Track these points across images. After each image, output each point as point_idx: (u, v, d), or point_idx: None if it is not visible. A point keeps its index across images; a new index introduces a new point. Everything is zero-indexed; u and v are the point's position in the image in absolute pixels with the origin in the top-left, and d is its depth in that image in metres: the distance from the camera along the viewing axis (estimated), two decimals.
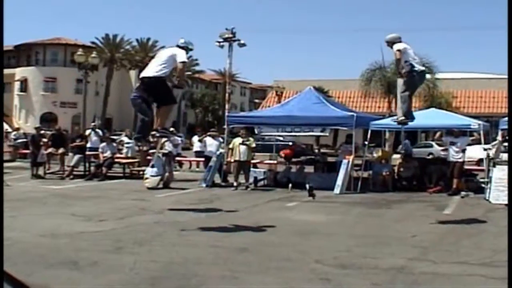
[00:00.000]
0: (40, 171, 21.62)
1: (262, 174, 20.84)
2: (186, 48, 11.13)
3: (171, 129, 23.08)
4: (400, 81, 12.11)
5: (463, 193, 17.22)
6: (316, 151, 33.29)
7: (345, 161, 18.56)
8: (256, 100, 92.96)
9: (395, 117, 13.18)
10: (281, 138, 34.51)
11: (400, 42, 11.97)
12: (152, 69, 10.72)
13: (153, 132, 10.93)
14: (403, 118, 12.13)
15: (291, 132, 21.47)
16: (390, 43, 12.06)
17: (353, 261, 8.43)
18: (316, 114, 19.45)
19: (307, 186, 16.71)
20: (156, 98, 10.85)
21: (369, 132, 19.82)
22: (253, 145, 19.53)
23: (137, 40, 74.46)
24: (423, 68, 12.51)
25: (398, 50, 11.71)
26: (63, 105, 67.98)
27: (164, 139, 21.31)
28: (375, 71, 41.86)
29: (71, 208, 13.78)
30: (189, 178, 21.50)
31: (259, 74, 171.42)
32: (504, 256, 8.01)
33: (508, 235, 8.68)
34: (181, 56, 10.69)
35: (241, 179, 19.12)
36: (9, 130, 40.70)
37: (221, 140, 22.18)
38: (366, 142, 20.20)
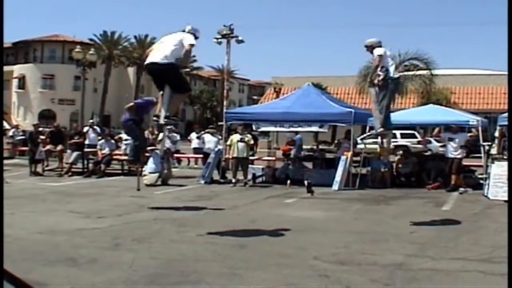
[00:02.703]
0: (39, 168, 21.61)
1: (260, 171, 20.83)
2: (193, 35, 10.85)
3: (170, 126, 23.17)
4: (372, 90, 11.74)
5: (461, 189, 17.24)
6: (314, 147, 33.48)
7: (343, 157, 18.57)
8: (255, 97, 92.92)
9: (373, 131, 12.75)
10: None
11: (380, 47, 11.67)
12: (161, 55, 10.29)
13: (165, 120, 10.54)
14: (382, 129, 11.66)
15: (289, 128, 21.45)
16: (370, 48, 11.77)
17: (351, 258, 8.44)
18: (315, 110, 19.44)
19: (306, 182, 16.71)
20: (170, 85, 10.42)
21: (367, 128, 19.79)
22: (251, 142, 19.53)
23: (135, 37, 74.52)
24: (398, 75, 12.22)
25: (379, 55, 11.40)
26: (61, 102, 67.96)
27: (162, 135, 21.43)
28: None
29: (70, 205, 13.79)
30: (187, 174, 21.49)
31: (257, 70, 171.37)
32: (503, 252, 8.01)
33: (508, 231, 8.69)
34: (190, 39, 10.43)
35: (240, 176, 19.13)
36: (8, 127, 40.68)
37: (219, 136, 22.18)
38: (362, 136, 20.13)
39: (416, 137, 37.00)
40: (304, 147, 25.84)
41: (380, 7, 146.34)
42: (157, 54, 10.34)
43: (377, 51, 11.49)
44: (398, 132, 32.32)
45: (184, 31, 10.86)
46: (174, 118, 10.98)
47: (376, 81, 11.48)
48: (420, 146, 32.39)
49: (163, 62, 10.13)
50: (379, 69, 11.41)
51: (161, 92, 10.65)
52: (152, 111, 12.82)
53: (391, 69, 11.58)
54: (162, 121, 10.65)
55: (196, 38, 10.85)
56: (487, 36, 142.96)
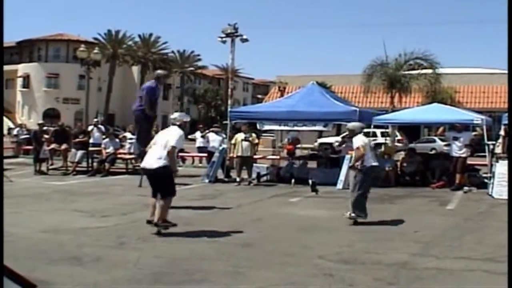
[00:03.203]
0: (43, 167, 21.62)
1: (265, 170, 20.83)
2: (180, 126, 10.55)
3: None
4: (352, 173, 11.77)
5: (466, 188, 17.21)
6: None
7: (347, 156, 18.52)
8: (259, 96, 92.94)
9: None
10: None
11: (360, 133, 11.86)
12: (153, 162, 10.02)
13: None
14: (353, 215, 11.36)
15: (293, 127, 21.44)
16: (351, 132, 12.00)
17: (355, 257, 8.44)
18: (319, 109, 19.42)
19: (310, 181, 16.71)
20: (157, 188, 10.15)
21: (372, 127, 19.82)
22: (256, 141, 19.53)
23: (139, 36, 74.65)
24: (376, 164, 12.07)
25: (363, 146, 11.41)
26: (66, 101, 68.15)
27: None
28: (377, 67, 41.74)
29: (74, 204, 13.80)
30: (192, 173, 21.47)
31: (261, 69, 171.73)
32: (507, 251, 7.99)
33: (508, 229, 8.67)
34: (172, 140, 10.02)
35: (244, 175, 19.14)
36: (12, 126, 40.78)
37: (223, 135, 22.18)
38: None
39: (396, 136, 37.31)
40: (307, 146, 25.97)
41: (384, 7, 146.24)
42: (150, 160, 10.16)
43: (359, 140, 11.57)
44: (378, 131, 32.59)
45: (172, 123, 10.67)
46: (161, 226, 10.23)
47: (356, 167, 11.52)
48: (400, 144, 33.21)
49: (154, 168, 9.99)
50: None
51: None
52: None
53: (368, 157, 11.56)
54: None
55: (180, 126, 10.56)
56: (492, 35, 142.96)
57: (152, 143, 10.50)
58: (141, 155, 14.23)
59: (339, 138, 26.99)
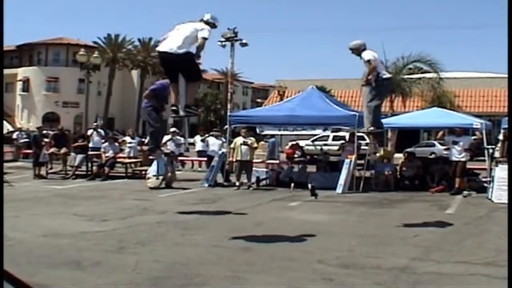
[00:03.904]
0: (42, 171, 21.61)
1: (264, 174, 20.82)
2: (212, 25, 10.49)
3: (173, 129, 23.14)
4: (366, 90, 11.68)
5: (465, 192, 17.21)
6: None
7: (347, 160, 18.55)
8: (258, 100, 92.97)
9: (363, 128, 12.68)
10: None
11: (365, 49, 11.60)
12: (176, 43, 9.83)
13: (186, 110, 10.19)
14: (372, 128, 11.71)
15: (293, 131, 21.46)
16: (356, 50, 11.69)
17: (355, 261, 8.43)
18: (319, 113, 19.43)
19: (310, 185, 16.70)
20: (184, 74, 10.07)
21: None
22: (255, 145, 19.53)
23: (139, 40, 74.55)
24: (389, 75, 12.19)
25: (374, 59, 11.37)
26: (65, 105, 68.16)
27: (167, 138, 21.46)
28: None
29: (74, 208, 13.80)
30: (191, 177, 21.49)
31: (261, 73, 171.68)
32: (507, 256, 7.99)
33: (508, 233, 8.68)
34: (204, 32, 9.99)
35: (243, 179, 19.13)
36: (11, 129, 40.77)
37: (223, 139, 22.18)
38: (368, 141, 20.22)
39: (364, 139, 37.82)
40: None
41: (385, 10, 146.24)
42: (172, 42, 9.88)
43: (368, 55, 11.44)
44: (346, 134, 32.97)
45: (202, 19, 10.48)
46: (194, 109, 10.60)
47: (370, 80, 11.45)
48: (367, 148, 33.26)
49: (178, 52, 9.73)
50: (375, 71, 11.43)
51: (169, 82, 10.48)
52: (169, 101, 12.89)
53: (382, 70, 11.63)
54: (182, 112, 10.34)
55: (215, 27, 10.56)
56: (492, 39, 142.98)
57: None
58: (152, 150, 14.17)
59: (309, 142, 27.59)
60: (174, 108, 10.28)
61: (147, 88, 14.10)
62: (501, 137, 18.21)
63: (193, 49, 9.92)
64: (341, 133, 30.95)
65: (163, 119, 13.51)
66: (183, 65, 9.91)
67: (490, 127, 19.52)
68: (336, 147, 28.96)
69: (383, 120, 20.38)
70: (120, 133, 47.13)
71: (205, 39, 9.92)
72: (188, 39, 9.85)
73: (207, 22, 10.47)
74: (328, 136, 35.93)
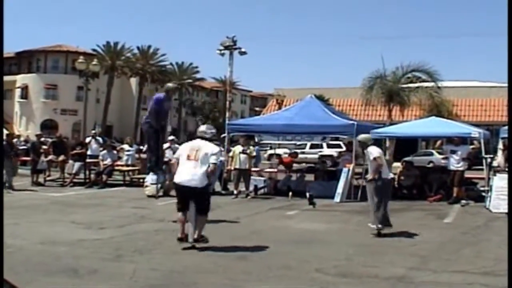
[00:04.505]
0: (40, 179, 21.61)
1: (262, 182, 20.81)
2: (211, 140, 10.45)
3: (172, 137, 23.15)
4: (370, 186, 11.72)
5: (463, 201, 17.21)
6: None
7: (345, 169, 18.56)
8: (257, 108, 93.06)
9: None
10: None
11: (373, 144, 11.96)
12: (196, 177, 9.71)
13: (194, 243, 9.83)
14: (380, 226, 11.47)
15: (291, 140, 21.47)
16: (363, 144, 12.06)
17: (353, 270, 8.42)
18: (317, 122, 19.45)
19: (307, 194, 16.71)
20: (197, 205, 9.89)
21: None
22: (253, 153, 19.54)
23: (138, 47, 74.65)
24: (390, 177, 12.20)
25: (380, 155, 11.60)
26: (64, 112, 68.12)
27: (165, 147, 21.45)
28: (375, 80, 41.83)
29: (71, 215, 13.78)
30: None
31: (259, 82, 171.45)
32: (505, 265, 7.99)
33: (508, 242, 8.68)
34: (213, 158, 9.88)
35: (241, 187, 19.12)
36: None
37: (221, 148, 22.15)
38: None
39: (342, 147, 38.49)
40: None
41: (383, 20, 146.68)
42: (192, 175, 9.76)
43: (375, 151, 11.67)
44: (324, 143, 33.26)
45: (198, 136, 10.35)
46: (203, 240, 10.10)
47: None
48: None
49: (199, 186, 9.74)
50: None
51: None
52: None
53: (384, 168, 11.69)
54: (190, 239, 9.90)
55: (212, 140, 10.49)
56: (490, 48, 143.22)
57: (178, 155, 10.29)
58: (152, 169, 14.23)
59: (287, 150, 28.01)
60: (179, 236, 10.00)
61: (146, 96, 14.11)
62: (501, 146, 18.23)
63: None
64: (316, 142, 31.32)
65: (161, 139, 13.56)
66: (200, 198, 9.90)
67: (488, 136, 19.52)
68: (316, 155, 29.28)
69: (381, 129, 20.49)
70: (118, 141, 47.11)
71: (214, 164, 9.92)
72: (204, 169, 9.80)
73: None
74: (306, 144, 36.32)
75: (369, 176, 11.73)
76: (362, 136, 12.40)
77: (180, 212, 10.01)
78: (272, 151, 32.42)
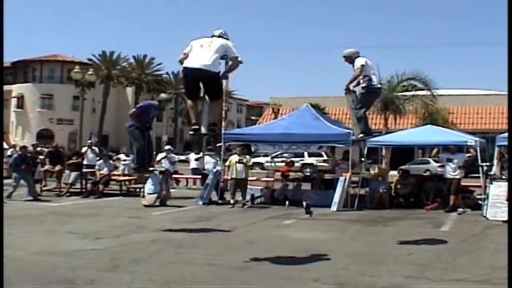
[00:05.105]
0: (37, 188, 21.53)
1: (259, 192, 20.79)
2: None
3: (168, 146, 23.15)
4: (349, 97, 11.63)
5: (460, 210, 17.22)
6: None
7: (342, 178, 18.55)
8: (253, 117, 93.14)
9: (353, 137, 12.69)
10: None
11: (359, 56, 11.62)
12: (207, 60, 9.46)
13: (211, 128, 9.98)
14: (361, 135, 11.70)
15: (288, 149, 21.47)
16: (349, 58, 11.74)
17: (350, 279, 8.41)
18: (313, 131, 19.45)
19: (304, 203, 16.68)
20: (209, 92, 9.72)
21: (366, 149, 19.85)
22: (250, 163, 19.52)
23: (133, 57, 74.85)
24: (379, 86, 12.24)
25: (362, 65, 11.32)
26: (60, 122, 68.15)
27: (162, 156, 21.46)
28: None
29: (68, 225, 13.74)
30: (186, 195, 21.44)
31: (255, 91, 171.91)
32: (502, 273, 7.98)
33: (508, 251, 8.67)
34: (235, 51, 9.81)
35: (238, 197, 19.10)
36: (6, 146, 40.60)
37: (217, 158, 22.14)
38: (363, 159, 20.26)
39: (322, 156, 38.85)
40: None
41: (379, 28, 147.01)
42: (203, 59, 9.50)
43: (359, 61, 11.44)
44: (306, 152, 33.65)
45: (214, 35, 10.17)
46: (215, 128, 10.25)
47: (355, 87, 11.42)
48: (326, 164, 36.69)
49: (212, 70, 9.45)
50: (361, 77, 11.34)
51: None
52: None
53: (374, 78, 11.55)
54: (204, 130, 10.11)
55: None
56: (485, 56, 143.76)
57: (187, 50, 9.88)
58: (138, 169, 14.12)
59: (269, 159, 28.50)
60: (194, 126, 9.94)
61: (138, 106, 14.04)
62: (496, 155, 18.31)
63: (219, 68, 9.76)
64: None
65: (148, 138, 13.51)
66: (212, 82, 9.63)
67: (484, 144, 19.55)
68: (298, 164, 29.52)
69: (377, 138, 20.51)
70: (114, 150, 47.00)
71: (240, 62, 9.82)
72: (218, 57, 9.63)
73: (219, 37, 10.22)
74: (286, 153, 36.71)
75: (348, 84, 11.57)
76: (347, 51, 11.90)
77: (190, 100, 9.86)
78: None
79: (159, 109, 13.99)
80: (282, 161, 26.34)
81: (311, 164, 38.64)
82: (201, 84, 9.62)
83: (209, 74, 9.42)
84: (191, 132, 10.14)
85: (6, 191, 20.42)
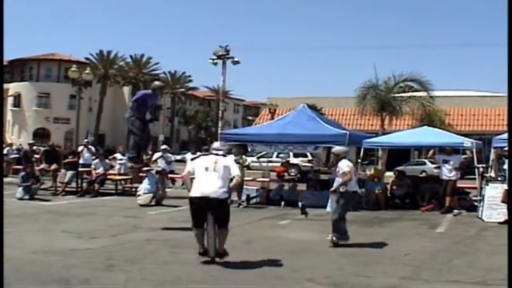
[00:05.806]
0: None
1: (254, 192, 20.78)
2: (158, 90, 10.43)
3: (164, 146, 23.12)
4: (333, 196, 11.77)
5: (455, 211, 17.22)
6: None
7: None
8: (250, 117, 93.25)
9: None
10: None
11: (345, 158, 11.95)
12: (215, 187, 9.30)
13: (217, 258, 9.48)
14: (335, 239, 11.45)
15: (284, 150, 21.46)
16: (337, 156, 12.11)
17: (345, 280, 8.41)
18: (310, 131, 19.45)
19: (300, 204, 16.65)
20: (217, 219, 9.42)
21: (362, 150, 19.86)
22: (246, 163, 19.51)
23: (131, 56, 74.83)
24: (356, 189, 12.25)
25: (349, 170, 11.57)
26: (56, 121, 68.00)
27: (158, 156, 21.43)
28: (368, 89, 41.98)
29: (63, 224, 13.72)
30: (181, 195, 21.36)
31: (252, 91, 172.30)
32: (497, 275, 8.02)
33: (508, 252, 8.68)
34: (237, 170, 9.81)
35: (234, 197, 19.08)
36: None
37: None
38: (359, 160, 20.26)
39: (307, 156, 39.92)
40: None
41: (376, 29, 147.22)
42: (209, 187, 9.36)
43: (346, 165, 11.67)
44: (291, 152, 33.93)
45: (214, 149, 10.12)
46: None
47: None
48: (309, 164, 38.16)
49: (221, 198, 9.32)
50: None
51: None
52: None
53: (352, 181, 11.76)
54: (212, 254, 9.52)
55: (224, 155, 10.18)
56: (482, 58, 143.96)
57: (191, 169, 9.93)
58: (134, 159, 14.09)
59: (254, 159, 28.63)
60: (200, 251, 9.64)
61: (135, 97, 14.02)
62: (493, 156, 18.33)
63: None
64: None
65: (148, 131, 13.52)
66: (221, 210, 9.46)
67: (481, 146, 19.56)
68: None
69: (374, 139, 20.52)
70: (110, 150, 46.99)
71: (239, 176, 9.90)
72: (226, 182, 9.52)
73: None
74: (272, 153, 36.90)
75: (333, 187, 11.79)
76: (336, 149, 12.45)
77: (196, 228, 9.62)
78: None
79: (155, 97, 14.16)
80: (268, 161, 26.35)
81: (296, 165, 38.79)
82: (209, 214, 9.44)
83: (218, 201, 9.31)
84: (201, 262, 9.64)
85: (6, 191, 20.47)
